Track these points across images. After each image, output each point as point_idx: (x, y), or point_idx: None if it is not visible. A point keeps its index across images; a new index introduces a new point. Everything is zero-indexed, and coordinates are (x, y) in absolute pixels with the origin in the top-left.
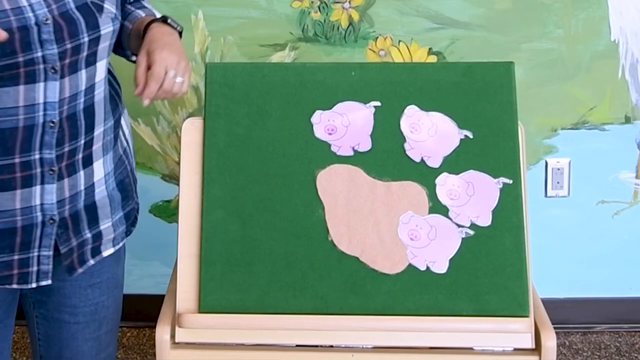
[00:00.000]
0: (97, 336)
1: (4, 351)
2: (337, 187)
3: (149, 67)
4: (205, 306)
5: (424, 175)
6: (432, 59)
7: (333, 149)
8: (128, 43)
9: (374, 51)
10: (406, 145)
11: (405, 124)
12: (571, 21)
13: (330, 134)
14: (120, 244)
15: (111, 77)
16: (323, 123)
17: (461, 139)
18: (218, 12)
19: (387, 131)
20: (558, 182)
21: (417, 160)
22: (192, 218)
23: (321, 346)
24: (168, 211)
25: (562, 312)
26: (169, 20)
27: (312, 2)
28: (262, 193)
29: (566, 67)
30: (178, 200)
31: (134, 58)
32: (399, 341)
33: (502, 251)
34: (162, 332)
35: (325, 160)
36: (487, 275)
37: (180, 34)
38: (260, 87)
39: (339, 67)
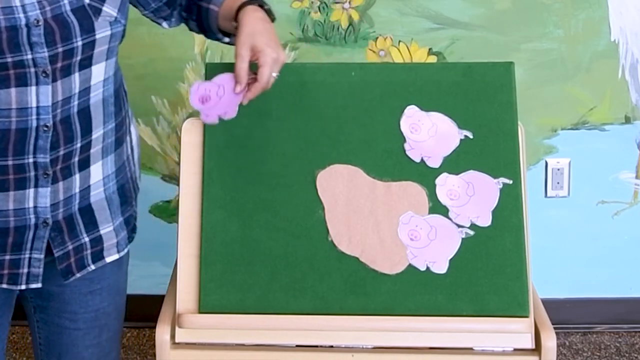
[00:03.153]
0: (97, 342)
1: None
2: (337, 187)
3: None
4: (205, 306)
5: (424, 175)
6: (432, 59)
7: (202, 117)
8: (217, 25)
9: (374, 51)
10: (406, 146)
11: (405, 124)
12: (571, 21)
13: (203, 103)
14: (125, 251)
15: (116, 79)
16: (199, 92)
17: (461, 139)
18: None
19: (387, 131)
20: (558, 183)
21: (417, 160)
22: (192, 218)
23: (321, 346)
24: (168, 211)
25: (562, 312)
26: (264, 6)
27: (312, 2)
28: (262, 193)
29: (566, 67)
30: (178, 201)
31: (226, 40)
32: (399, 341)
33: (502, 251)
34: (162, 333)
35: (325, 160)
36: (487, 275)
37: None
38: None
39: (339, 68)
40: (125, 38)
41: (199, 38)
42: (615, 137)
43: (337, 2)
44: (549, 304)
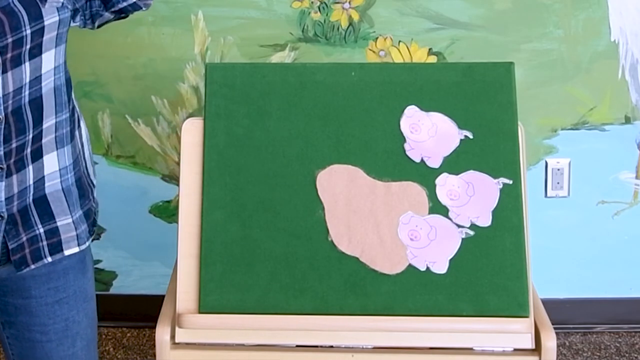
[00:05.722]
0: (72, 353)
1: None
2: (337, 187)
3: None
4: (205, 306)
5: (424, 175)
6: (432, 59)
7: None
8: None
9: (374, 51)
10: (406, 146)
11: (405, 124)
12: (571, 21)
13: None
14: (86, 244)
15: (66, 68)
16: None
17: (461, 139)
18: (218, 12)
19: (387, 131)
20: (558, 183)
21: (417, 160)
22: (192, 218)
23: (321, 346)
24: (168, 211)
25: (562, 312)
26: None
27: (312, 2)
28: (262, 193)
29: (566, 68)
30: (178, 201)
31: None
32: (399, 341)
33: (502, 251)
34: (162, 333)
35: (325, 160)
36: (487, 275)
37: None
38: (260, 87)
39: (339, 68)
40: (126, 38)
41: (199, 38)
42: (615, 137)
43: (337, 2)
44: (549, 304)
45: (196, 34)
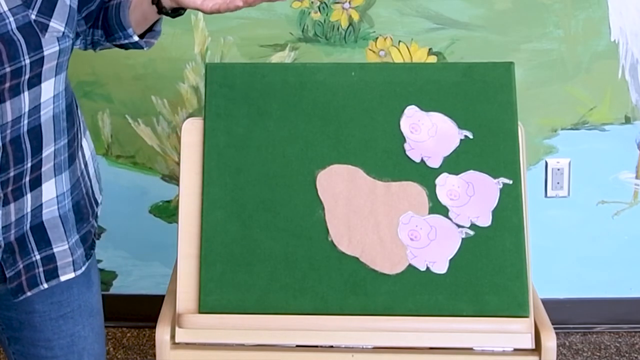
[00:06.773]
0: None
1: None
2: (337, 187)
3: None
4: (205, 306)
5: (424, 175)
6: (432, 59)
7: None
8: (127, 16)
9: (374, 51)
10: (406, 146)
11: (405, 124)
12: (571, 21)
13: None
14: (82, 269)
15: (67, 94)
16: None
17: (461, 139)
18: None
19: (387, 131)
20: (558, 183)
21: (417, 160)
22: (192, 218)
23: (321, 346)
24: (168, 211)
25: (562, 312)
26: None
27: (312, 2)
28: (262, 193)
29: (566, 68)
30: (178, 201)
31: (135, 38)
32: (399, 341)
33: (502, 251)
34: (162, 333)
35: (325, 160)
36: (487, 275)
37: None
38: (260, 87)
39: (339, 68)
40: None
41: (199, 38)
42: (615, 137)
43: (337, 2)
44: (549, 304)
45: (196, 34)
